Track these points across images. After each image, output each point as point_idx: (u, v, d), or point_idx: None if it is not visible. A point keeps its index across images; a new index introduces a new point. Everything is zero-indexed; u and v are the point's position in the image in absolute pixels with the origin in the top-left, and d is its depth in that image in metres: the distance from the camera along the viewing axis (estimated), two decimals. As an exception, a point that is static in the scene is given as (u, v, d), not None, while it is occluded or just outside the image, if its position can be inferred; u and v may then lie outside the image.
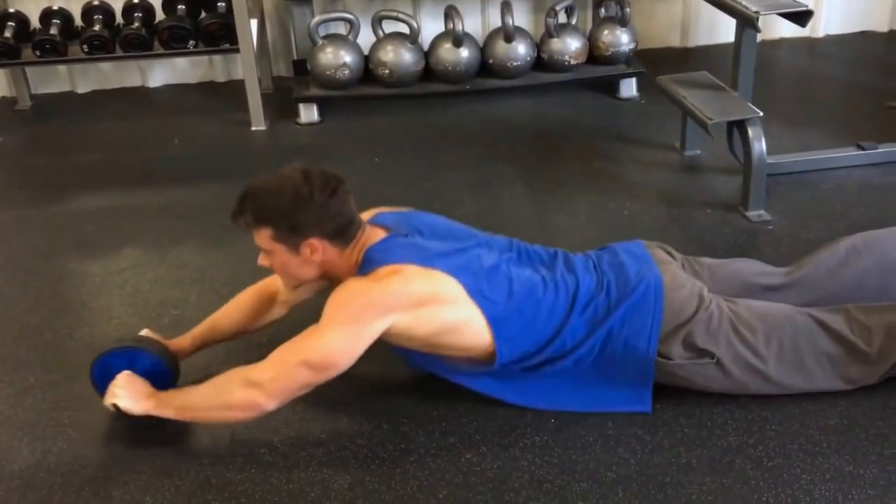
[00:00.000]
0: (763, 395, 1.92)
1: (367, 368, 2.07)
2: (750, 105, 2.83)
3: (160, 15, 3.68)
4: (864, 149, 3.02)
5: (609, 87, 3.78)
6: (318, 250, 1.82)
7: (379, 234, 1.88)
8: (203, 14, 3.64)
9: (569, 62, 3.69)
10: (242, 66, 3.61)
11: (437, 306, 1.80)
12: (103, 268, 2.65)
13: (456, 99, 3.68)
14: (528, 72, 3.69)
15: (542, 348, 1.87)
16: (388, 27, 3.66)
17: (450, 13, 3.61)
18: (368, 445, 1.87)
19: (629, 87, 3.76)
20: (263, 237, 1.83)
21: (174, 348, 2.03)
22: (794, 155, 3.03)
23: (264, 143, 3.56)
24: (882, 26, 4.41)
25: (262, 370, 1.78)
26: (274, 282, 2.08)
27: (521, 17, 3.95)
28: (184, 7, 3.64)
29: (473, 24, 3.98)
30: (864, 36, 4.37)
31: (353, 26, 3.65)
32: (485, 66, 3.69)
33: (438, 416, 1.94)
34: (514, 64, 3.64)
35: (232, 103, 3.79)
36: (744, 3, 2.75)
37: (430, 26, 3.90)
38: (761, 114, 2.74)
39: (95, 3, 3.63)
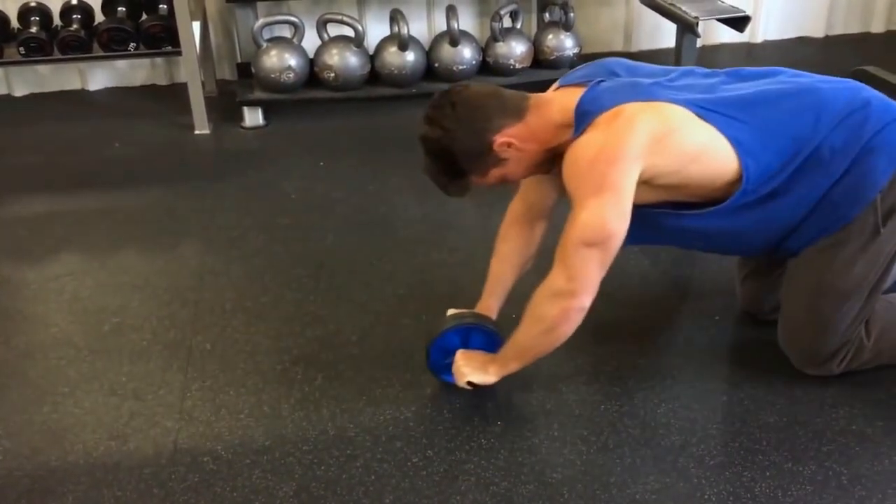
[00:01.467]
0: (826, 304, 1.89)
1: (311, 373, 2.08)
2: (691, 109, 2.87)
3: (99, 17, 3.62)
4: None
5: (554, 91, 3.81)
6: (508, 141, 1.77)
7: (579, 91, 1.78)
8: (144, 16, 3.59)
9: (514, 66, 3.71)
10: (185, 69, 3.56)
11: (674, 135, 1.72)
12: (40, 274, 2.59)
13: (402, 102, 3.67)
14: (473, 75, 3.70)
15: (787, 163, 1.77)
16: (333, 30, 3.64)
17: (395, 17, 3.60)
18: (314, 451, 1.85)
19: (574, 91, 3.79)
20: (476, 183, 1.84)
21: (486, 312, 2.03)
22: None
23: (208, 147, 3.51)
24: (818, 32, 4.52)
25: (555, 276, 1.75)
26: (518, 204, 2.04)
27: (466, 21, 3.97)
28: (124, 9, 3.59)
29: (419, 27, 3.98)
30: (801, 41, 4.49)
31: (298, 29, 3.62)
32: (430, 69, 3.69)
33: (384, 421, 1.93)
34: (460, 68, 3.65)
35: (175, 107, 3.74)
36: (684, 8, 2.81)
37: (376, 30, 3.89)
38: (702, 117, 2.78)
39: (32, 4, 3.56)
